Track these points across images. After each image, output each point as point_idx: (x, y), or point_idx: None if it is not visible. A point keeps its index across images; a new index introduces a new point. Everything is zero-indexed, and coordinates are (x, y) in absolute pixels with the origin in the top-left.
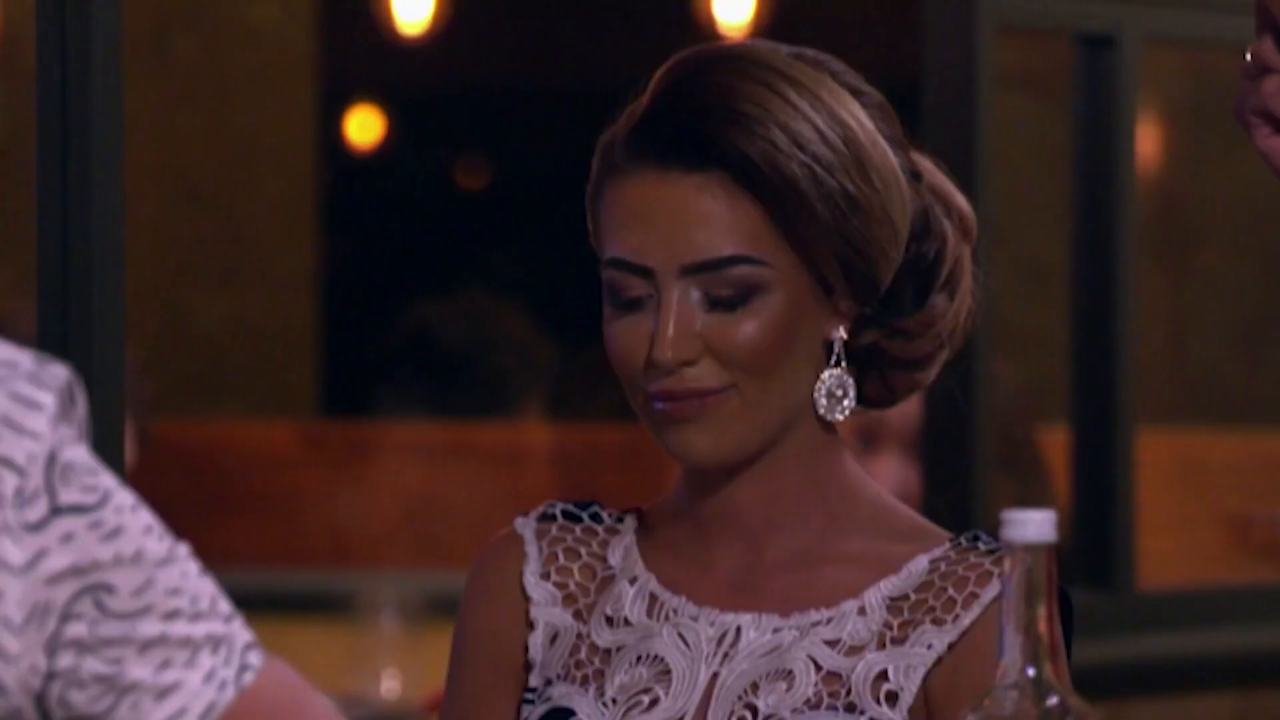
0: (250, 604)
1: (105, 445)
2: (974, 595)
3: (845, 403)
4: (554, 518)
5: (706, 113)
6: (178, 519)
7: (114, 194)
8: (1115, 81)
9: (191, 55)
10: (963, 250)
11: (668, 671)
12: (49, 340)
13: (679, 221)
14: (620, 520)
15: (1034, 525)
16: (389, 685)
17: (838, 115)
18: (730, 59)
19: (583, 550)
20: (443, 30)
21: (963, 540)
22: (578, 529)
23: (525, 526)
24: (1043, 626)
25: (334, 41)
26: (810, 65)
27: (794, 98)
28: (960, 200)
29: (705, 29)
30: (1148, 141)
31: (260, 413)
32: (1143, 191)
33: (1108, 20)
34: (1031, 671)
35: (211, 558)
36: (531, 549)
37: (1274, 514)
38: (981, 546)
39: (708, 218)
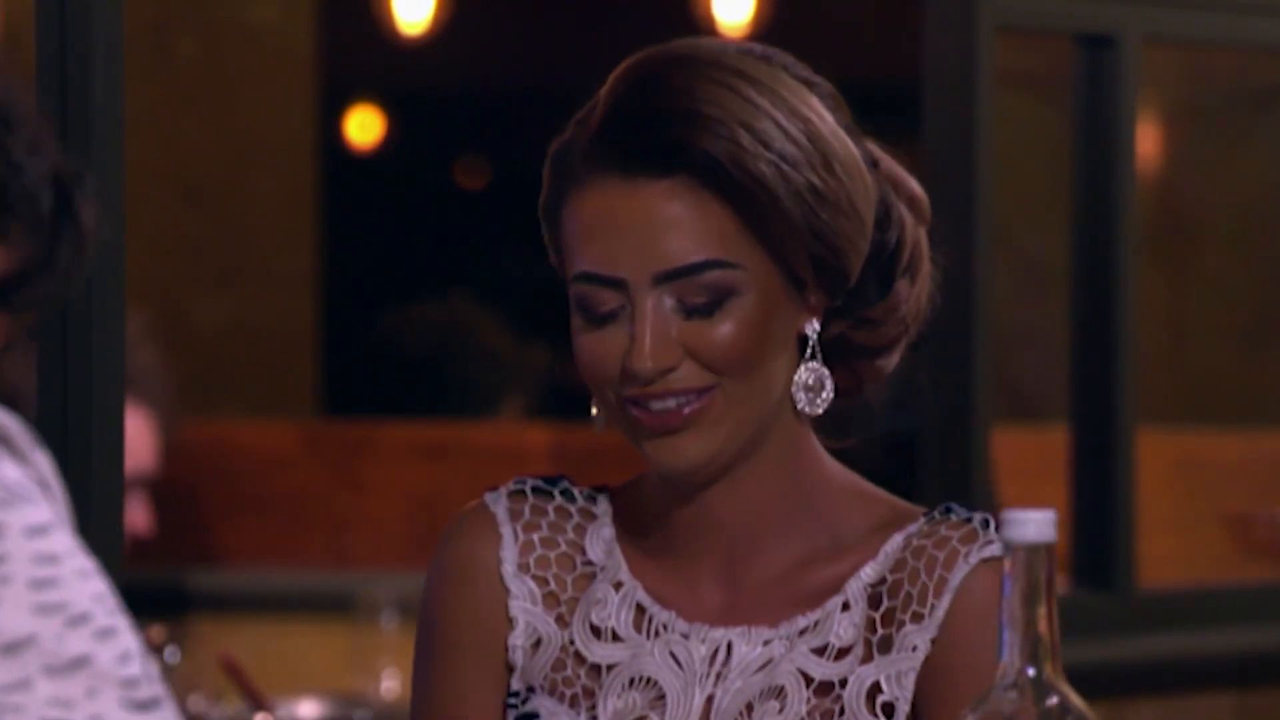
0: (250, 604)
1: (105, 448)
2: (943, 580)
3: (823, 395)
4: (525, 495)
5: (668, 118)
6: (177, 519)
7: (114, 194)
8: (1115, 81)
9: (191, 55)
10: (919, 234)
11: (662, 696)
12: (49, 342)
13: (648, 229)
14: (593, 500)
15: (1034, 525)
16: (389, 685)
17: (798, 110)
18: (685, 62)
19: (560, 539)
20: (443, 30)
21: (936, 513)
22: (550, 509)
23: (497, 503)
24: (1043, 626)
25: (334, 41)
26: (762, 61)
27: (754, 96)
28: (913, 184)
29: (705, 29)
30: (1148, 141)
31: (260, 413)
32: (1143, 191)
33: (1108, 20)
34: (1031, 671)
35: (212, 558)
36: (506, 530)
37: (1274, 514)
38: (953, 517)
39: (677, 224)
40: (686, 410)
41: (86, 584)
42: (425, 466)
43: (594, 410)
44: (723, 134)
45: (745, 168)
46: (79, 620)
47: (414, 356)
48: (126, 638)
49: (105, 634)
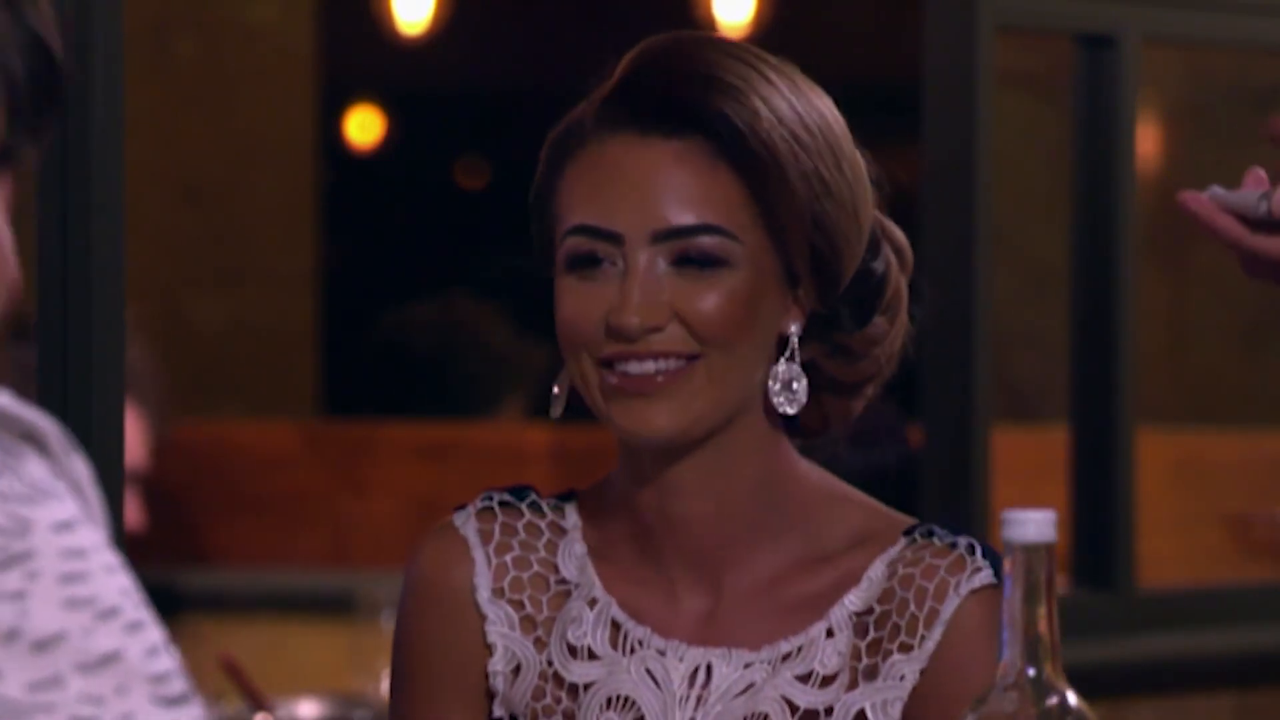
0: (250, 604)
1: (105, 448)
2: (934, 612)
3: (796, 395)
4: (493, 512)
5: (689, 79)
6: (178, 519)
7: (114, 194)
8: (1115, 81)
9: (191, 55)
10: (901, 281)
11: (641, 718)
12: (49, 342)
13: (653, 188)
14: (560, 511)
15: (1034, 525)
16: (389, 685)
17: (813, 103)
18: (706, 39)
19: (532, 558)
20: (443, 30)
21: (917, 535)
22: (520, 526)
23: (466, 525)
24: (1043, 626)
25: (334, 41)
26: (779, 60)
27: (773, 77)
28: (900, 235)
29: (705, 30)
30: (1148, 141)
31: (260, 413)
32: (1143, 191)
33: (1108, 20)
34: (1031, 671)
35: (212, 558)
36: (478, 554)
37: (1274, 514)
38: (937, 542)
39: (683, 186)
40: (661, 379)
41: (114, 579)
42: (425, 466)
43: (554, 390)
44: (741, 100)
45: (759, 136)
46: (109, 614)
47: (416, 355)
48: (154, 631)
49: (134, 628)
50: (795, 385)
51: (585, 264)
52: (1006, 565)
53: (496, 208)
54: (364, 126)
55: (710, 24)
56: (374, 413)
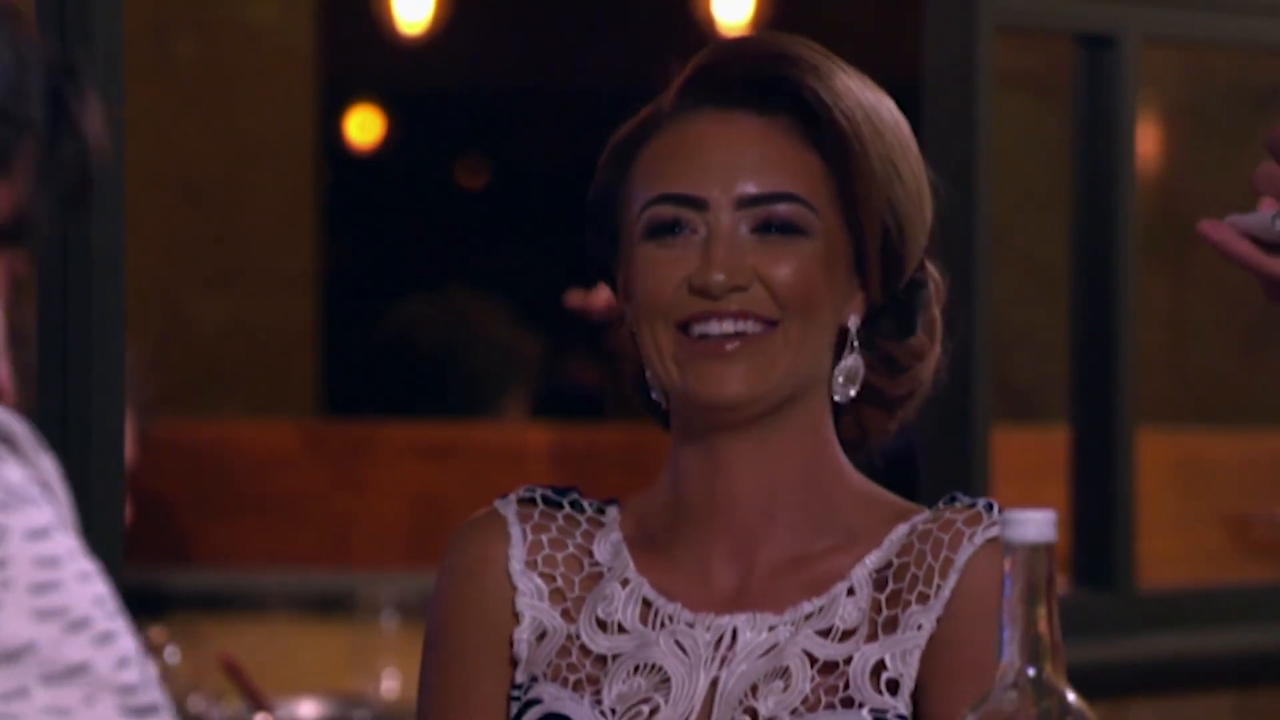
0: (250, 604)
1: (105, 448)
2: (949, 560)
3: (856, 382)
4: (534, 501)
5: (775, 59)
6: (178, 519)
7: (114, 194)
8: (1115, 81)
9: (191, 55)
10: (937, 309)
11: (667, 679)
12: (49, 340)
13: (737, 157)
14: (601, 511)
15: (1034, 525)
16: (389, 685)
17: (882, 100)
18: (781, 33)
19: (568, 541)
20: (443, 30)
21: (941, 504)
22: (559, 516)
23: (506, 508)
24: (1043, 626)
25: (334, 41)
26: None
27: (848, 70)
28: (932, 267)
29: (705, 29)
30: (1148, 141)
31: (260, 413)
32: (1143, 191)
33: (1108, 20)
34: (1031, 671)
35: (212, 558)
36: (515, 531)
37: (1274, 514)
38: (958, 504)
39: (766, 157)
40: (738, 344)
41: (87, 587)
42: (425, 466)
43: (656, 398)
44: (825, 78)
45: (844, 113)
46: (79, 625)
47: (417, 352)
48: (125, 642)
49: (104, 639)
50: (856, 379)
51: (665, 232)
52: (1006, 565)
53: (496, 208)
54: (364, 126)
55: (710, 24)
56: (374, 413)
